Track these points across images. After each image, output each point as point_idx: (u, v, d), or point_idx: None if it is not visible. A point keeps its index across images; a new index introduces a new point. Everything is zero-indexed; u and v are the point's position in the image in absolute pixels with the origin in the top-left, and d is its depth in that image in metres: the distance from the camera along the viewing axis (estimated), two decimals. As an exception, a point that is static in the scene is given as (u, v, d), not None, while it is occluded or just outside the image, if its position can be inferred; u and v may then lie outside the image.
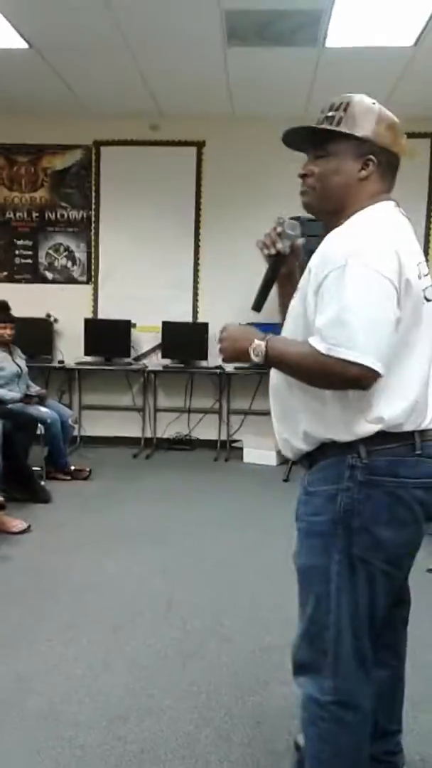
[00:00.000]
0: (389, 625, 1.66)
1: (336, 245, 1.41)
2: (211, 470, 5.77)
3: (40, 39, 4.67)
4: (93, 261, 6.53)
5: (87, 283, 6.55)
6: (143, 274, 6.41)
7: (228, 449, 6.31)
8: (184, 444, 6.46)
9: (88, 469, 5.21)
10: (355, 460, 1.41)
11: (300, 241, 1.67)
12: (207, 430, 6.49)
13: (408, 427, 1.42)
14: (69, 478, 5.11)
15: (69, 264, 6.55)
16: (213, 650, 2.56)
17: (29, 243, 6.54)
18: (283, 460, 5.85)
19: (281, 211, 1.81)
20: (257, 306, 1.67)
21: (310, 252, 1.52)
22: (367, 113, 1.50)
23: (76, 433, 6.01)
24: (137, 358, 6.44)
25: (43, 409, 5.00)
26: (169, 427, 6.53)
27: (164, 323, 6.27)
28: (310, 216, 1.62)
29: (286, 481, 5.19)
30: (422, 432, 1.45)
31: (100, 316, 6.50)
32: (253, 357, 1.44)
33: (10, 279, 6.53)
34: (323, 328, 1.34)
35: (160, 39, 4.60)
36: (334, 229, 1.46)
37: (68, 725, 2.06)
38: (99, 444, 6.38)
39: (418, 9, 4.07)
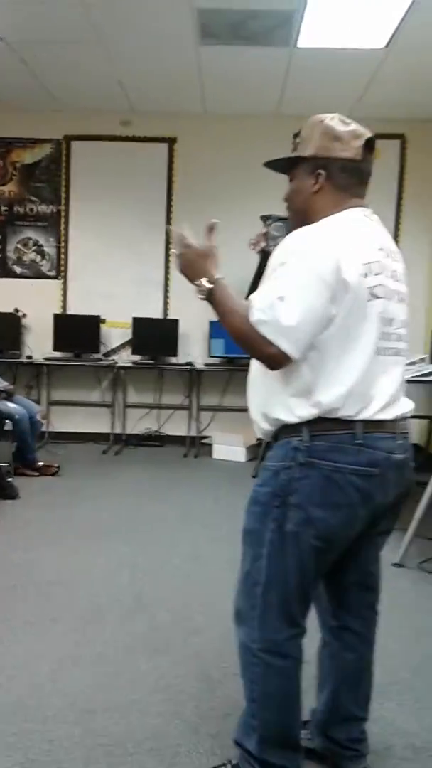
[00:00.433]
0: (356, 610, 1.77)
1: (286, 245, 1.56)
2: (180, 466, 5.78)
3: (11, 32, 4.61)
4: (62, 256, 6.49)
5: (56, 278, 6.50)
6: (113, 270, 6.40)
7: (197, 445, 6.33)
8: (153, 440, 6.47)
9: (56, 465, 5.19)
10: (299, 443, 1.54)
11: None
12: (177, 426, 6.51)
13: (345, 413, 1.52)
14: (37, 474, 5.09)
15: (38, 259, 6.50)
16: (181, 644, 2.58)
17: (-3, 237, 6.47)
18: (251, 456, 5.89)
19: (264, 210, 1.83)
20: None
21: None
22: (313, 131, 1.64)
23: (44, 428, 5.96)
24: (107, 354, 6.42)
25: (10, 404, 4.97)
26: (138, 423, 6.53)
27: (134, 319, 6.27)
28: None
29: (254, 477, 5.21)
30: (367, 422, 1.53)
31: (70, 311, 6.47)
32: (197, 292, 1.60)
33: (-23, 273, 6.44)
34: (257, 303, 1.49)
35: (132, 34, 4.59)
36: (291, 232, 1.59)
37: (37, 720, 2.05)
38: (68, 440, 6.35)
39: (390, 11, 4.14)
